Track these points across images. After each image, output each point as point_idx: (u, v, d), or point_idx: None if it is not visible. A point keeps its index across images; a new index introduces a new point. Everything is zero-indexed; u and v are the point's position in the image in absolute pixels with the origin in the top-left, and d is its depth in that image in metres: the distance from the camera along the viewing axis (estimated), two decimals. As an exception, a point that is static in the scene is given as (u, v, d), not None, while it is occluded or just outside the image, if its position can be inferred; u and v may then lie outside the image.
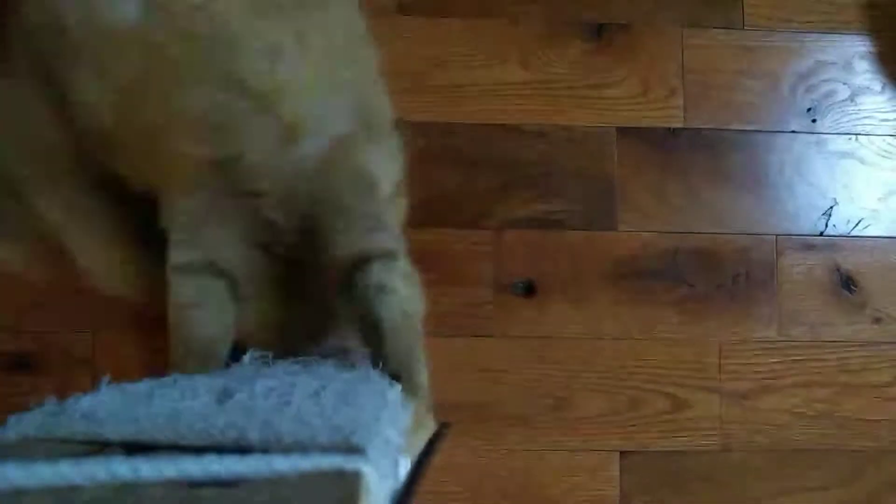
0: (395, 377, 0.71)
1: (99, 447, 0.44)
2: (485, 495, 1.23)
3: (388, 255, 0.80)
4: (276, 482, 0.38)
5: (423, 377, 0.78)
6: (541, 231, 1.26)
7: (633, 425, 1.25)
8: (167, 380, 0.56)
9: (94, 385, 0.54)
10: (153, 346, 1.18)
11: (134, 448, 0.42)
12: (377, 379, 0.65)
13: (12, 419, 0.47)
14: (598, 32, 1.29)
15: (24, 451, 0.40)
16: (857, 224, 1.30)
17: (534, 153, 1.27)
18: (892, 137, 1.32)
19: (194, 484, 0.38)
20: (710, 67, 1.30)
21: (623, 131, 1.28)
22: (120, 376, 0.56)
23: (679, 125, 1.29)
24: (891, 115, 1.33)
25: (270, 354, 0.69)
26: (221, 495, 0.37)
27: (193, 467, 0.38)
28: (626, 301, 1.27)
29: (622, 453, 1.25)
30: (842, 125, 1.32)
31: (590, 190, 1.27)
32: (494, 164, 1.26)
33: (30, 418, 0.47)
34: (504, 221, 1.26)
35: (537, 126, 1.27)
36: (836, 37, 1.33)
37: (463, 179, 1.25)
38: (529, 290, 1.25)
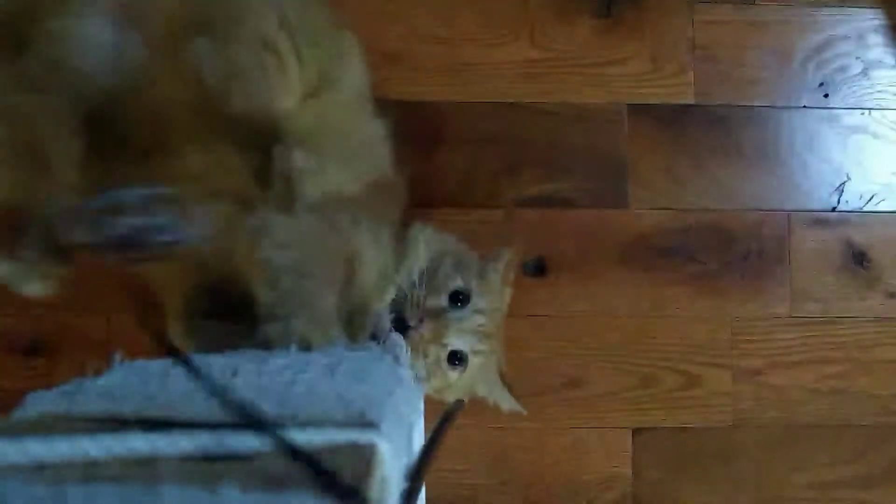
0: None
1: (116, 424, 0.44)
2: (498, 473, 1.23)
3: None
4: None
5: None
6: (551, 210, 1.26)
7: (646, 402, 1.26)
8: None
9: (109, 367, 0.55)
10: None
11: (150, 425, 0.43)
12: (389, 357, 0.65)
13: (31, 397, 0.47)
14: (608, 9, 1.28)
15: (43, 428, 0.41)
16: (869, 199, 1.30)
17: (543, 132, 1.26)
18: (905, 112, 1.32)
19: (210, 458, 0.38)
20: (720, 43, 1.29)
21: (633, 108, 1.28)
22: (135, 359, 0.57)
23: (690, 102, 1.28)
24: (904, 90, 1.32)
25: None
26: (237, 469, 0.37)
27: (209, 441, 0.38)
28: (637, 279, 1.27)
29: (634, 430, 1.25)
30: (854, 100, 1.31)
31: (600, 168, 1.27)
32: (504, 143, 1.26)
33: (48, 397, 0.48)
34: (514, 201, 1.26)
35: (547, 104, 1.27)
36: (848, 10, 1.32)
37: (472, 159, 1.25)
38: (540, 269, 1.26)
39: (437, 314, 0.91)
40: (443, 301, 0.92)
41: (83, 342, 1.19)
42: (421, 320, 0.89)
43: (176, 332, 0.94)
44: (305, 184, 0.78)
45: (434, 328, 0.90)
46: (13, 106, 0.81)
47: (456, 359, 0.92)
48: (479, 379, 0.99)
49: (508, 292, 1.03)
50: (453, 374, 0.93)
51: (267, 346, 0.67)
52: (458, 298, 0.93)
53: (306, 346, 0.67)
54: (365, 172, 1.02)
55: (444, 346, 0.92)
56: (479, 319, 0.94)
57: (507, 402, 1.03)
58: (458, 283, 0.93)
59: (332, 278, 0.85)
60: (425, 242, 0.97)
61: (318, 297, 0.78)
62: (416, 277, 0.92)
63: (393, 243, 0.96)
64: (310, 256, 0.83)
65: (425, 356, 0.90)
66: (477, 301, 0.94)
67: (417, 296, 0.91)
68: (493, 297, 0.97)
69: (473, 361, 0.94)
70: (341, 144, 1.01)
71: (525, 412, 1.03)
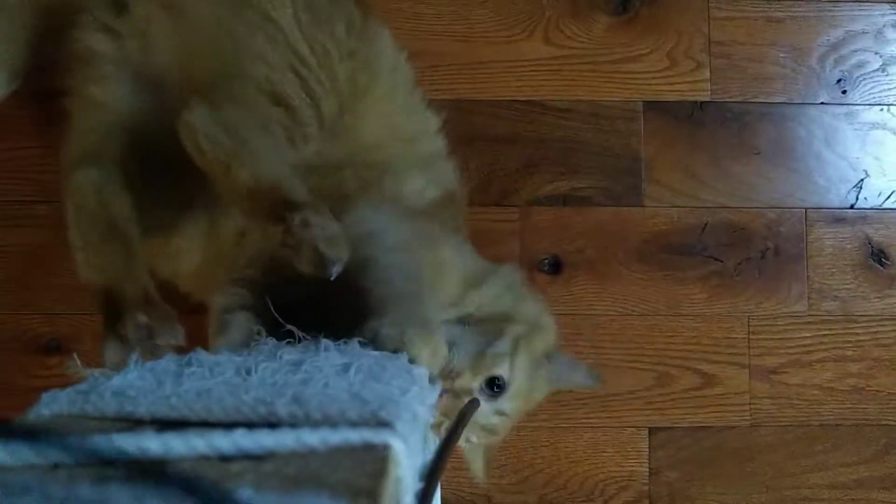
0: None
1: (130, 424, 0.45)
2: (514, 472, 1.23)
3: None
4: (305, 455, 0.38)
5: None
6: (567, 208, 1.26)
7: (662, 402, 1.25)
8: (191, 356, 0.56)
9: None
10: (184, 329, 1.19)
11: (164, 425, 0.43)
12: (403, 357, 0.65)
13: (45, 397, 0.48)
14: (624, 6, 1.28)
15: (57, 427, 0.41)
16: (888, 196, 1.29)
17: (559, 129, 1.26)
18: (924, 108, 1.30)
19: (224, 458, 0.38)
20: (736, 40, 1.29)
21: (649, 106, 1.27)
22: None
23: (706, 99, 1.28)
24: (923, 85, 1.31)
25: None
26: (251, 469, 0.37)
27: (223, 442, 0.38)
28: (653, 277, 1.26)
29: (651, 430, 1.25)
30: (873, 96, 1.30)
31: (616, 165, 1.26)
32: (519, 141, 1.26)
33: (62, 396, 0.48)
34: (530, 199, 1.25)
35: (562, 102, 1.26)
36: (866, 6, 1.30)
37: (488, 157, 1.25)
38: (556, 267, 1.25)
39: (458, 394, 0.86)
40: (475, 384, 0.87)
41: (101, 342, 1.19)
42: (441, 395, 0.83)
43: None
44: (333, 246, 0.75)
45: (446, 406, 0.85)
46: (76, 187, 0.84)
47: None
48: (466, 451, 0.97)
49: (544, 394, 1.00)
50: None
51: (373, 344, 0.67)
52: (493, 387, 0.88)
53: (412, 358, 0.67)
54: (438, 179, 1.02)
55: (446, 419, 0.87)
56: (496, 420, 0.90)
57: (476, 470, 0.99)
58: (503, 370, 0.88)
59: (434, 289, 0.83)
60: (510, 290, 0.95)
61: (432, 310, 0.77)
62: (467, 322, 0.89)
63: (485, 274, 0.94)
64: (416, 262, 0.82)
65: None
66: (506, 401, 0.90)
67: (452, 368, 0.86)
68: (525, 399, 0.93)
69: (466, 445, 0.93)
70: (411, 148, 1.00)
71: (485, 482, 1.03)
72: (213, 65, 0.87)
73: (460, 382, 0.86)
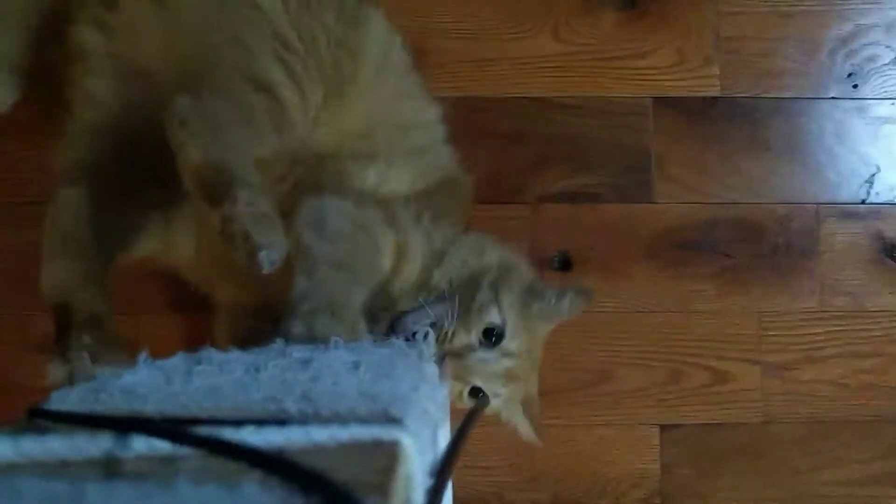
0: None
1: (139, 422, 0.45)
2: (525, 470, 1.23)
3: None
4: (314, 452, 0.38)
5: None
6: (577, 205, 1.25)
7: (674, 398, 1.24)
8: (200, 355, 0.56)
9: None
10: (195, 329, 1.19)
11: (173, 422, 0.42)
12: (414, 354, 0.65)
13: (55, 395, 0.48)
14: (632, 2, 1.27)
15: (67, 425, 0.41)
16: (900, 191, 1.28)
17: (568, 126, 1.26)
18: (936, 101, 1.29)
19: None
20: (746, 34, 1.28)
21: (659, 102, 1.27)
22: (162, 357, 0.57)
23: (716, 94, 1.27)
24: (935, 79, 1.30)
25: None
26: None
27: (232, 438, 0.38)
28: (664, 274, 1.25)
29: (663, 427, 1.24)
30: (884, 90, 1.29)
31: (626, 162, 1.26)
32: (528, 138, 1.25)
33: (72, 395, 0.48)
34: (540, 196, 1.25)
35: (571, 98, 1.26)
36: (877, -1, 1.30)
37: (497, 154, 1.25)
38: (566, 264, 1.25)
39: (461, 353, 0.88)
40: (472, 338, 0.89)
41: (111, 341, 1.20)
42: (442, 358, 0.86)
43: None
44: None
45: (456, 368, 0.88)
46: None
47: (479, 393, 0.91)
48: (503, 410, 0.98)
49: (548, 329, 1.01)
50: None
51: (286, 341, 0.66)
52: (491, 336, 0.90)
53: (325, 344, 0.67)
54: (431, 168, 1.02)
55: (468, 382, 0.90)
56: (507, 363, 0.91)
57: (525, 432, 1.01)
58: (493, 317, 0.90)
59: (371, 274, 0.83)
60: (471, 250, 0.96)
61: (348, 294, 0.76)
62: (447, 293, 0.90)
63: (447, 246, 0.95)
64: (354, 249, 0.82)
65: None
66: (509, 342, 0.91)
67: (446, 332, 0.88)
68: (528, 336, 0.94)
69: (500, 405, 0.93)
70: (399, 138, 1.00)
71: (541, 444, 1.02)
72: (198, 54, 0.87)
73: (459, 341, 0.88)
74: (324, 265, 0.76)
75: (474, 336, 0.89)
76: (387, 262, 0.88)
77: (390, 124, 1.00)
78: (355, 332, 0.73)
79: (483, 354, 0.89)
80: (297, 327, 0.69)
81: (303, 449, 0.38)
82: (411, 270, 0.91)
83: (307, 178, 0.92)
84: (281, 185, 0.91)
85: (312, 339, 0.67)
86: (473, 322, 0.89)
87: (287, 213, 0.80)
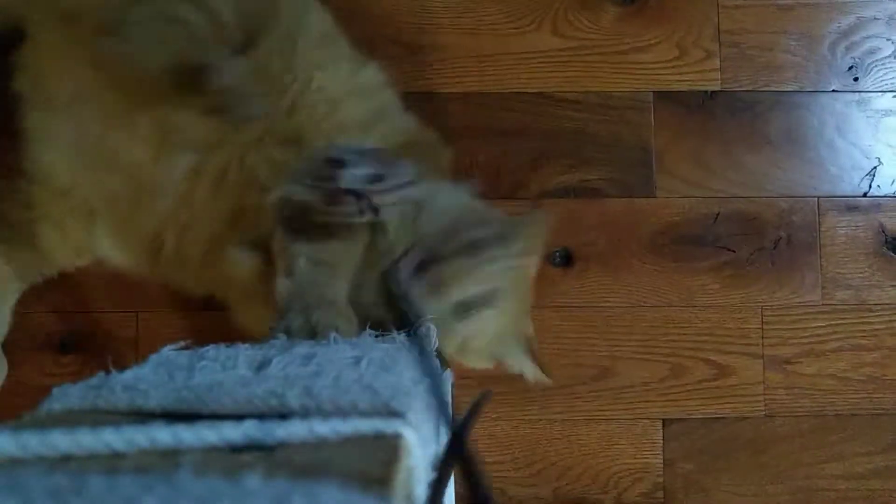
0: None
1: (141, 418, 0.45)
2: (528, 465, 1.23)
3: None
4: (316, 445, 0.38)
5: None
6: (578, 200, 1.25)
7: (676, 393, 1.24)
8: (204, 351, 0.56)
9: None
10: (195, 327, 1.20)
11: (175, 418, 0.43)
12: (416, 348, 0.65)
13: (57, 391, 0.48)
14: (632, -4, 1.27)
15: (68, 421, 0.41)
16: (902, 184, 1.28)
17: (568, 121, 1.26)
18: (937, 94, 1.29)
19: (235, 449, 0.38)
20: (746, 28, 1.28)
21: (659, 96, 1.26)
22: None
23: (716, 88, 1.27)
24: (936, 71, 1.29)
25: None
26: (262, 459, 0.37)
27: (234, 433, 0.38)
28: (665, 268, 1.25)
29: (665, 421, 1.24)
30: (885, 83, 1.29)
31: (626, 156, 1.26)
32: (528, 133, 1.25)
33: (74, 391, 0.48)
34: (540, 191, 1.25)
35: (571, 93, 1.26)
36: (877, -8, 1.30)
37: (497, 150, 1.25)
38: (568, 260, 1.25)
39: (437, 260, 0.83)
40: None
41: (113, 339, 1.20)
42: (419, 267, 0.82)
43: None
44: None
45: (433, 277, 0.82)
46: None
47: (462, 309, 0.85)
48: (497, 339, 0.92)
49: (535, 260, 0.96)
50: (463, 329, 0.86)
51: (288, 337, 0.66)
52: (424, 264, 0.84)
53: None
54: (390, 131, 0.97)
55: (447, 296, 0.84)
56: (489, 267, 0.85)
57: (529, 370, 0.97)
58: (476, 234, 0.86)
59: (349, 265, 0.81)
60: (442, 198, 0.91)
61: (330, 287, 0.76)
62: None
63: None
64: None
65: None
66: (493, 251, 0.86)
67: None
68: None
69: (484, 314, 0.86)
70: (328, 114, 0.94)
71: (551, 382, 1.01)
72: None
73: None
74: (300, 260, 0.76)
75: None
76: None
77: (315, 101, 0.93)
78: (351, 322, 0.73)
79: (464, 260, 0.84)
80: (297, 320, 0.69)
81: (304, 442, 0.38)
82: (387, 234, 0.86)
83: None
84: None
85: (312, 330, 0.67)
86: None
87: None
